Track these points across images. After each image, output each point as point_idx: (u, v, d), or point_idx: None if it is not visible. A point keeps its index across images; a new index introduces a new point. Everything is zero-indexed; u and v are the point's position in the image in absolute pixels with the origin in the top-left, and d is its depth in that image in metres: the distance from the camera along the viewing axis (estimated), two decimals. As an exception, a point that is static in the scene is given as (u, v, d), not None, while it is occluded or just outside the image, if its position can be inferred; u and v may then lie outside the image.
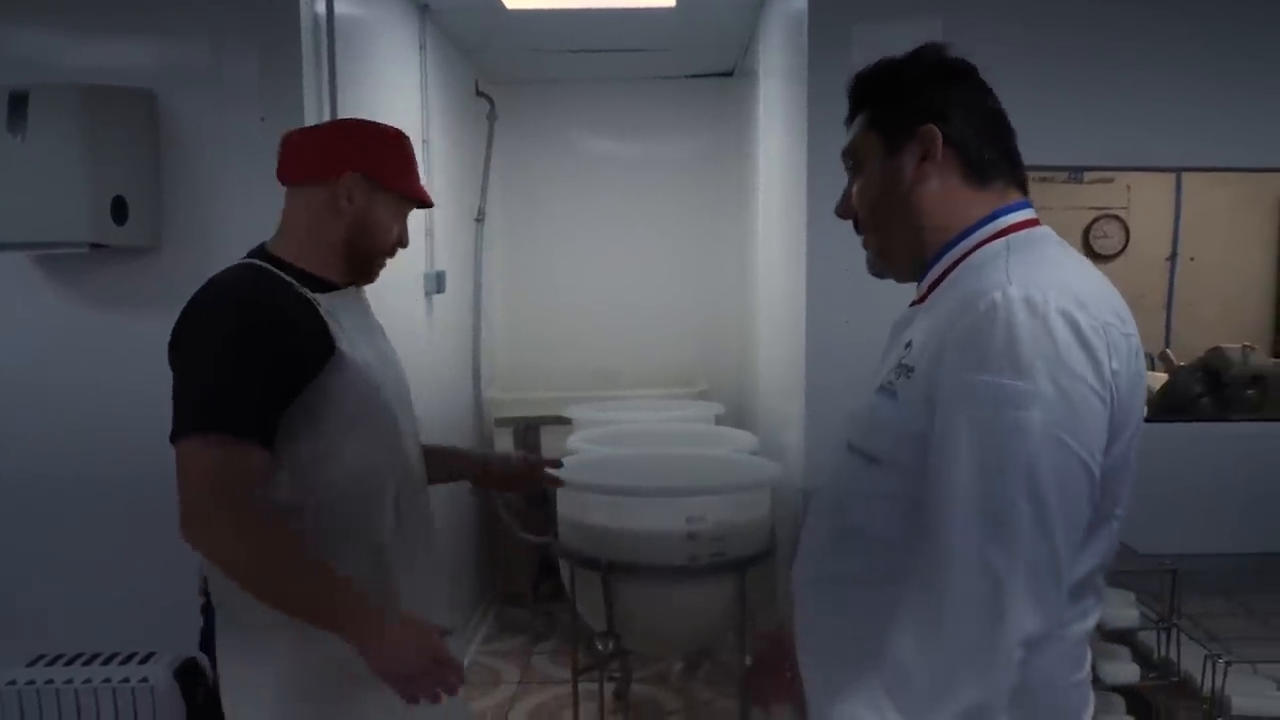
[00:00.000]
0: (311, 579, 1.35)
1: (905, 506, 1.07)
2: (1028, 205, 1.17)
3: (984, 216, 1.14)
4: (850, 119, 1.24)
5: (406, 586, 1.49)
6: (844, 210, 1.25)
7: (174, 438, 1.34)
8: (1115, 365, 1.01)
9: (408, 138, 1.59)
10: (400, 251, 3.12)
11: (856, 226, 1.24)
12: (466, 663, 3.68)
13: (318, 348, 1.40)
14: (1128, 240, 4.51)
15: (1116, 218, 4.52)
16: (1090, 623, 1.14)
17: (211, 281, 1.44)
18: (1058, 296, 1.00)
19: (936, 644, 1.00)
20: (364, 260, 1.56)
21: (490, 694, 3.43)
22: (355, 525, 1.45)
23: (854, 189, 1.22)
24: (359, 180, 1.50)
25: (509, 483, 1.87)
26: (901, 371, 1.10)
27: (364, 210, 1.51)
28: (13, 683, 2.15)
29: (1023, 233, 1.13)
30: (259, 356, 1.35)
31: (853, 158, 1.23)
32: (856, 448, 1.16)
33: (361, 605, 1.35)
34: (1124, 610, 1.90)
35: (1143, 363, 1.09)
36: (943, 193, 1.14)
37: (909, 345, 1.12)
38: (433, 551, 1.63)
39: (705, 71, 4.37)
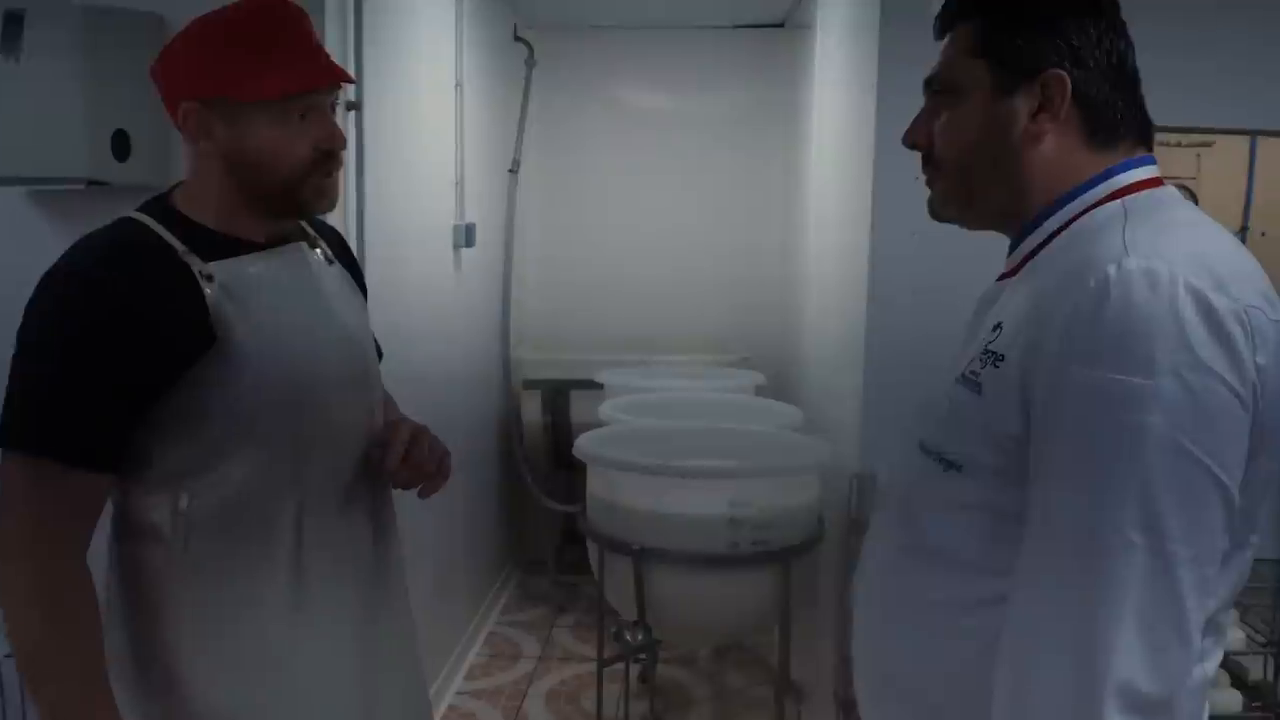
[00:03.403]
0: (76, 684, 1.07)
1: (990, 521, 0.90)
2: (1150, 161, 0.97)
3: (1099, 173, 0.94)
4: (943, 28, 1.01)
5: (304, 629, 1.20)
6: (917, 139, 1.02)
7: None
8: (1261, 359, 0.81)
9: (268, 3, 1.15)
10: (427, 202, 2.97)
11: (927, 160, 1.02)
12: (485, 634, 3.55)
13: (189, 337, 1.10)
14: (1196, 212, 4.24)
15: (1184, 187, 4.24)
16: (1209, 667, 0.93)
17: (75, 246, 1.13)
18: (1188, 271, 0.80)
19: (1019, 704, 0.83)
20: (280, 196, 1.17)
21: (509, 669, 3.29)
22: (238, 555, 1.16)
23: (939, 121, 0.99)
24: (199, 108, 1.12)
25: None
26: (988, 359, 0.91)
27: (234, 141, 1.13)
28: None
29: (1143, 193, 0.93)
30: (103, 358, 1.07)
31: (944, 84, 0.99)
32: (932, 450, 0.97)
33: None
34: (1226, 630, 1.69)
35: None
36: (1057, 153, 0.94)
37: (998, 328, 0.92)
38: (360, 582, 1.27)
39: (754, 21, 4.11)
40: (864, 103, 2.28)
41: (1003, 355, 0.90)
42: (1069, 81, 0.92)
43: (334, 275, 1.29)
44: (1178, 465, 0.78)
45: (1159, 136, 3.41)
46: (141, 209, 1.17)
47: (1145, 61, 1.94)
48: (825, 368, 2.80)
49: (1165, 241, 0.84)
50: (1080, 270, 0.84)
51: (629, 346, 3.97)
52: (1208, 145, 3.07)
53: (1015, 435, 0.87)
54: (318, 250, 1.28)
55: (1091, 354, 0.81)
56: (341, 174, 1.24)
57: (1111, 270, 0.81)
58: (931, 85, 1.01)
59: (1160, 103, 2.12)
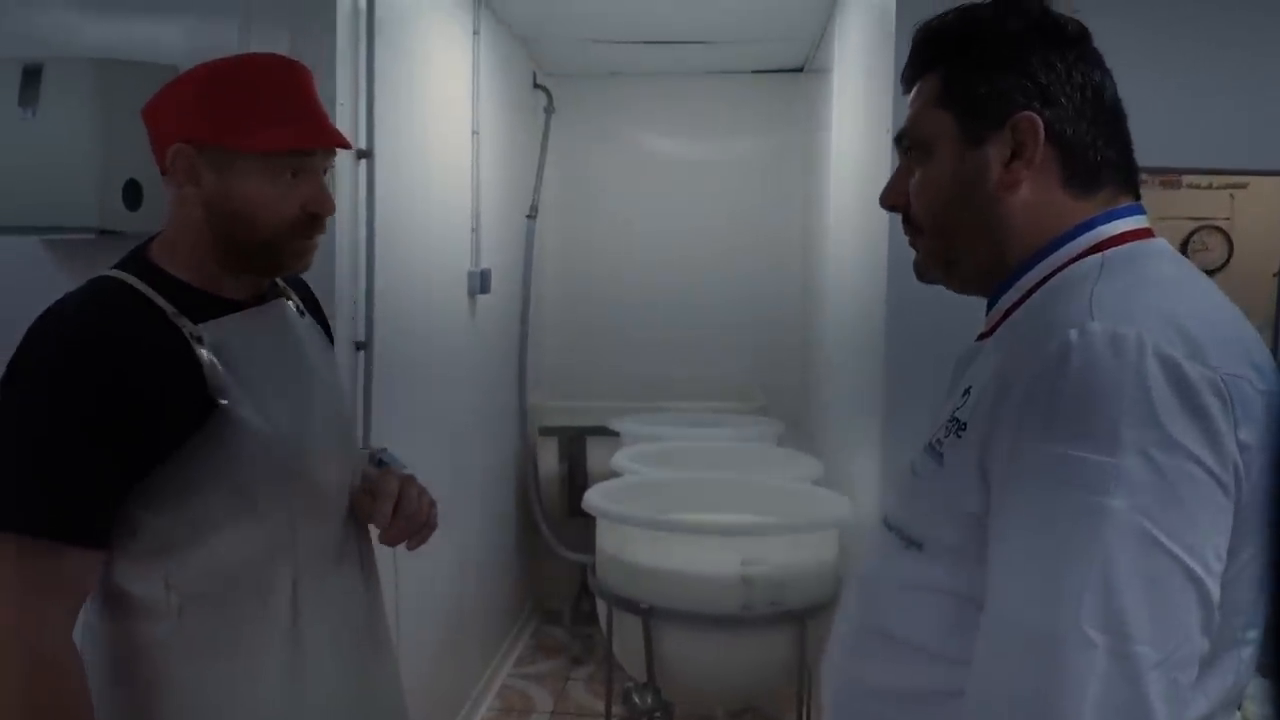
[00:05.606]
0: None
1: (951, 605, 0.82)
2: (1138, 211, 0.88)
3: (1079, 224, 0.86)
4: (910, 81, 0.94)
5: (302, 704, 1.16)
6: (891, 199, 0.95)
7: None
8: (1245, 436, 0.72)
9: (276, 60, 1.15)
10: (442, 247, 2.96)
11: (906, 220, 0.95)
12: (497, 686, 3.47)
13: (187, 406, 1.05)
14: (1230, 254, 4.13)
15: (1218, 229, 4.14)
16: None
17: (58, 308, 1.08)
18: (1158, 335, 0.73)
19: None
20: (258, 252, 1.12)
21: (521, 724, 3.21)
22: (233, 629, 1.11)
23: (913, 180, 0.93)
24: (190, 152, 1.08)
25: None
26: (952, 427, 0.83)
27: (221, 190, 1.09)
28: None
29: (1125, 246, 0.84)
30: (97, 430, 1.01)
31: (912, 140, 0.93)
32: (893, 525, 0.90)
33: None
34: (1263, 707, 1.59)
35: None
36: (1034, 202, 0.86)
37: (967, 393, 0.85)
38: (357, 644, 1.23)
39: (774, 67, 4.12)
40: (880, 146, 2.25)
41: (965, 424, 0.82)
42: (1040, 123, 0.84)
43: (308, 328, 1.26)
44: (1143, 555, 0.70)
45: (1190, 179, 3.36)
46: (120, 265, 1.13)
47: (1179, 104, 1.91)
48: (845, 418, 2.74)
49: (1136, 301, 0.77)
50: (1043, 333, 0.77)
51: (646, 393, 3.93)
52: (1241, 187, 3.02)
53: (975, 513, 0.79)
54: (290, 303, 1.25)
55: (1048, 427, 0.73)
56: (335, 230, 1.22)
57: (1073, 335, 0.74)
58: (901, 142, 0.95)
59: (1194, 144, 2.10)
